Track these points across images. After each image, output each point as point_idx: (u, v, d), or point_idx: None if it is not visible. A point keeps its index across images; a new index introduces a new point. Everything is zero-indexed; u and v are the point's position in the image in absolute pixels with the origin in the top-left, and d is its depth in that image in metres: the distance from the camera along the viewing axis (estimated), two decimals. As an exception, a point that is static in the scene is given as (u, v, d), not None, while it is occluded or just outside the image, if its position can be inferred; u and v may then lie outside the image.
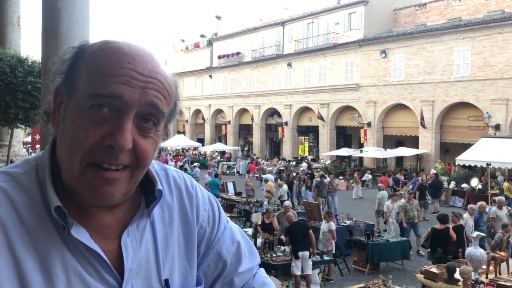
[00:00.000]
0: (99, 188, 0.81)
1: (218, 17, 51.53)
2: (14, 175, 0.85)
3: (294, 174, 22.29)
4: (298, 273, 8.96)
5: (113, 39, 0.88)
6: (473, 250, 7.78)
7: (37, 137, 24.58)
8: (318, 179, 18.41)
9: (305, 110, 35.49)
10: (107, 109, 0.80)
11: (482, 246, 9.16)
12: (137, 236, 0.91)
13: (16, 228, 0.79)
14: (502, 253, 8.07)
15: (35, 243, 0.80)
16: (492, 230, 11.25)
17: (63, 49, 0.89)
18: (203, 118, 45.90)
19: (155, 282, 0.92)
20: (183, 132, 47.17)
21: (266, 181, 18.98)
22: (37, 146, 25.81)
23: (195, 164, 26.27)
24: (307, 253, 8.97)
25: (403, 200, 13.04)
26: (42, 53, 3.45)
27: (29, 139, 23.91)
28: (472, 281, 7.32)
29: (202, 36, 50.54)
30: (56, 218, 0.81)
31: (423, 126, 26.76)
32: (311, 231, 9.46)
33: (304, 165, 27.69)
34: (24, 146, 14.73)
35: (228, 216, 1.18)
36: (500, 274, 7.90)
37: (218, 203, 1.11)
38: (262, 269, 1.14)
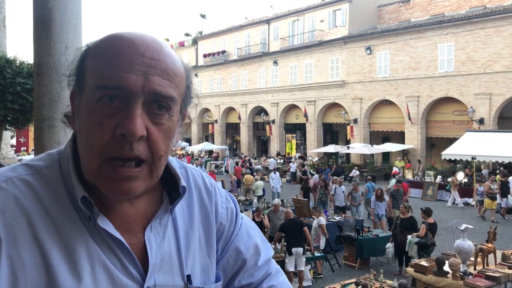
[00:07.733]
0: (118, 185, 0.80)
1: (203, 16, 51.29)
2: (38, 168, 0.86)
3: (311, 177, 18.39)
4: (291, 269, 9.04)
5: (117, 31, 0.86)
6: (462, 243, 7.91)
7: (23, 139, 24.17)
8: (393, 187, 14.42)
9: (292, 108, 35.57)
10: (116, 99, 0.79)
11: None
12: (160, 231, 0.92)
13: (41, 219, 0.80)
14: (489, 245, 8.23)
15: (61, 234, 0.80)
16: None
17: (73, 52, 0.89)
18: (190, 118, 45.56)
19: (178, 277, 0.92)
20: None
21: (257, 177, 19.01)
22: (22, 148, 25.34)
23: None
24: (300, 249, 9.07)
25: None
26: (34, 54, 3.38)
27: (13, 141, 23.31)
28: (461, 273, 7.46)
29: (187, 35, 50.26)
30: (81, 209, 0.82)
31: (411, 121, 27.00)
32: (306, 228, 9.55)
33: (292, 165, 27.72)
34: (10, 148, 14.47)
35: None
36: (487, 265, 8.08)
37: (235, 200, 1.12)
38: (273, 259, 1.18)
